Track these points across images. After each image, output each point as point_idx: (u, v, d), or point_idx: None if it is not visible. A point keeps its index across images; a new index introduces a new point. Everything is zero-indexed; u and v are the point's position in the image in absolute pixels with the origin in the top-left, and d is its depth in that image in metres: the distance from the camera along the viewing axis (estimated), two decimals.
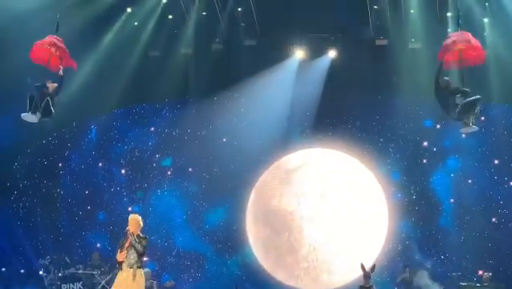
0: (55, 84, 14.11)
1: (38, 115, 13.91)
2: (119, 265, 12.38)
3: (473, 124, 13.72)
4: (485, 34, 18.21)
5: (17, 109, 14.31)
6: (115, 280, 12.51)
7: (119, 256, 12.29)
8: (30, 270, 20.16)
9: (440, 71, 13.91)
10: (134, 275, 12.14)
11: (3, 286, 18.11)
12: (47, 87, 13.99)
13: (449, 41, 13.77)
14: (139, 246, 12.24)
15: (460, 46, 13.70)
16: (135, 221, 12.50)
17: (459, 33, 13.91)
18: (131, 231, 12.35)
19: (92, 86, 19.24)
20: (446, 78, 14.03)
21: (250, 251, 20.89)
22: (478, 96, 13.69)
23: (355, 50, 19.84)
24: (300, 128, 20.83)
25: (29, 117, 13.92)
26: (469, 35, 13.83)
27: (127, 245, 12.29)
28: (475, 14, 17.80)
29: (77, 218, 21.37)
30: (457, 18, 14.33)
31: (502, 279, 18.56)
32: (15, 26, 16.57)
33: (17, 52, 14.64)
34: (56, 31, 14.34)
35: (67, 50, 14.36)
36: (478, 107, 13.73)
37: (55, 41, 14.16)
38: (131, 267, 12.20)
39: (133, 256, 12.23)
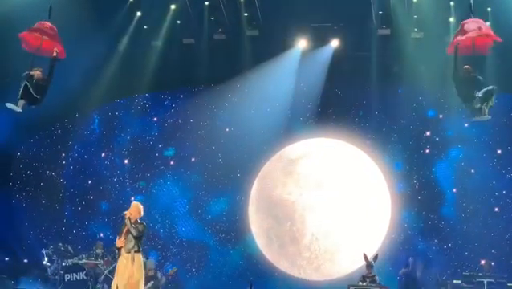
0: (40, 70, 13.94)
1: (21, 102, 13.77)
2: (118, 251, 12.71)
3: (487, 113, 13.73)
4: (488, 23, 18.12)
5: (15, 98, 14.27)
6: (117, 267, 12.81)
7: (118, 242, 12.62)
8: (34, 260, 20.22)
9: (457, 59, 13.89)
10: (133, 259, 12.45)
11: (7, 276, 18.13)
12: (32, 75, 13.81)
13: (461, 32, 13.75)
14: (134, 230, 12.51)
15: (472, 34, 13.67)
16: (136, 208, 12.82)
17: (471, 21, 13.84)
18: (127, 216, 12.66)
19: (95, 76, 19.26)
20: (466, 66, 14.03)
21: (253, 241, 20.92)
22: (495, 86, 13.73)
23: (357, 39, 19.77)
24: (303, 118, 20.80)
25: (11, 106, 13.84)
26: (481, 22, 13.80)
27: (125, 231, 12.59)
28: (478, 3, 17.70)
29: (80, 208, 21.46)
30: (468, 5, 14.19)
31: (504, 269, 18.55)
32: (12, 16, 16.55)
33: (16, 41, 14.58)
34: (49, 18, 14.27)
35: (59, 38, 14.26)
36: (494, 97, 13.76)
37: (43, 27, 14.06)
38: (129, 252, 12.52)
39: (130, 241, 12.55)
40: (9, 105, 13.80)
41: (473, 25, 13.73)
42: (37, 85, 13.74)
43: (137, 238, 12.59)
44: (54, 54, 13.95)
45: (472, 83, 13.85)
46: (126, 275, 12.48)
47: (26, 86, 13.59)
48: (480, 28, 13.66)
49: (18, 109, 13.77)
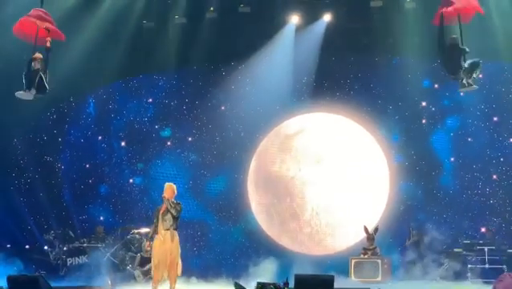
0: (41, 56, 13.95)
1: (33, 91, 13.82)
2: (155, 228, 13.78)
3: (472, 84, 13.79)
4: None
5: (14, 86, 14.24)
6: (154, 242, 13.79)
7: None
8: (35, 246, 20.26)
9: (442, 31, 13.90)
10: (172, 236, 13.60)
11: (9, 263, 18.15)
12: (36, 62, 13.83)
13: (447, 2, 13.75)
14: (173, 211, 13.63)
15: (458, 5, 13.68)
16: (170, 189, 13.89)
17: None
18: (166, 198, 13.68)
19: (88, 59, 19.17)
20: (454, 36, 14.03)
21: (253, 218, 20.99)
22: (480, 60, 13.78)
23: (350, 12, 19.72)
24: (298, 94, 20.79)
25: (23, 95, 13.88)
26: None
27: (162, 211, 13.67)
28: None
29: (79, 192, 21.47)
30: None
31: (505, 236, 18.62)
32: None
33: (9, 30, 14.54)
34: (41, 4, 14.22)
35: (54, 22, 14.24)
36: (479, 69, 13.81)
37: (41, 14, 14.04)
38: (167, 229, 13.61)
39: (169, 220, 13.64)
40: (20, 94, 13.85)
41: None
42: (44, 72, 13.85)
43: (176, 218, 13.65)
44: (48, 44, 13.97)
45: (458, 53, 13.86)
46: (166, 251, 13.58)
47: (40, 76, 13.71)
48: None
49: (30, 97, 13.90)
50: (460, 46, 13.88)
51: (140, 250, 18.13)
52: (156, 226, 13.75)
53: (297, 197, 20.72)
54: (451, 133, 20.12)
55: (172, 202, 13.71)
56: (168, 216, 13.62)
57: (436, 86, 20.11)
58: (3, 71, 17.05)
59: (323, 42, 20.12)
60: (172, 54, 20.47)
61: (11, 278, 12.30)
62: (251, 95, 20.74)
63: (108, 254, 18.55)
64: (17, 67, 14.54)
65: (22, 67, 14.07)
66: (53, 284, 12.91)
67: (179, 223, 13.94)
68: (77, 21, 18.19)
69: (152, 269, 13.84)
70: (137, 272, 17.72)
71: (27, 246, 20.33)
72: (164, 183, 14.14)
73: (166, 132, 21.71)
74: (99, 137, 21.85)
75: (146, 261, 17.26)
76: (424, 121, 20.25)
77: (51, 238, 19.61)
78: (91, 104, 22.03)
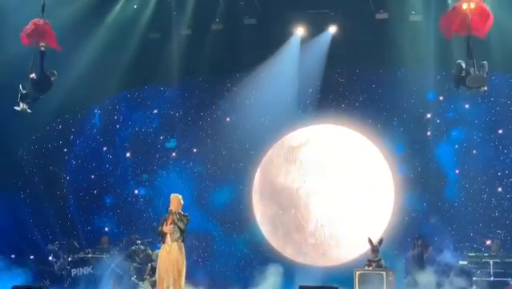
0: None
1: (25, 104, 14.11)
2: (162, 238, 13.76)
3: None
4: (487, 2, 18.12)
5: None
6: (160, 253, 13.89)
7: (167, 228, 13.66)
8: (40, 256, 20.28)
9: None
10: (180, 248, 13.65)
11: (14, 273, 18.19)
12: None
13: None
14: (181, 224, 13.69)
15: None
16: (176, 200, 13.96)
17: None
18: (174, 211, 13.76)
19: (94, 70, 19.27)
20: (459, 61, 14.07)
21: (258, 229, 20.97)
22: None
23: (355, 24, 19.74)
24: (303, 105, 20.78)
25: (21, 108, 14.13)
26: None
27: (170, 221, 13.68)
28: None
29: (84, 203, 21.51)
30: None
31: (510, 248, 18.60)
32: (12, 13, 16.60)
33: (15, 40, 14.62)
34: (42, 12, 14.31)
35: (52, 32, 14.37)
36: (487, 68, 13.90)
37: (37, 24, 14.19)
38: (175, 241, 13.66)
39: (176, 232, 13.68)
40: (20, 107, 14.01)
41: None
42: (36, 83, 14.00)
43: (183, 230, 13.73)
44: (42, 48, 14.11)
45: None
46: (172, 262, 13.59)
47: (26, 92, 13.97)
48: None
49: (29, 110, 14.09)
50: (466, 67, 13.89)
51: (147, 261, 18.11)
52: (161, 231, 13.76)
53: (302, 209, 20.71)
54: (456, 145, 20.11)
55: (180, 215, 13.74)
56: (176, 227, 13.64)
57: (441, 98, 20.11)
58: (7, 83, 17.08)
59: (329, 53, 20.15)
60: (178, 66, 20.53)
61: (16, 288, 12.33)
62: (256, 107, 20.76)
63: (113, 265, 18.56)
64: (21, 79, 14.64)
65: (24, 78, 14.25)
66: None
67: (186, 235, 13.97)
68: (83, 32, 18.32)
69: (157, 280, 13.84)
70: (146, 283, 17.67)
71: (32, 257, 20.35)
72: (170, 194, 14.16)
73: (171, 143, 21.74)
74: (105, 148, 21.90)
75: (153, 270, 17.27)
76: (428, 133, 20.24)
77: (56, 248, 19.66)
78: (97, 115, 22.08)
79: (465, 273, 17.64)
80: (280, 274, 18.36)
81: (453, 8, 14.06)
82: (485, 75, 13.88)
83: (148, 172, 21.65)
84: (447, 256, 18.25)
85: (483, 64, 13.89)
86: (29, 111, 14.37)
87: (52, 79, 14.43)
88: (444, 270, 17.72)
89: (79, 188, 21.62)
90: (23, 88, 14.34)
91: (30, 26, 14.17)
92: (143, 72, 20.83)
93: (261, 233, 20.92)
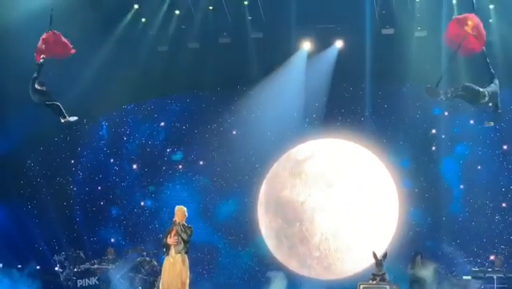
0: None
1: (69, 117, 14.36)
2: (166, 250, 13.62)
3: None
4: (491, 20, 18.22)
5: (29, 108, 14.44)
6: (164, 265, 13.75)
7: (171, 240, 13.54)
8: (46, 267, 20.34)
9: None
10: (183, 260, 13.52)
11: (19, 283, 18.27)
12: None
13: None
14: (184, 235, 13.55)
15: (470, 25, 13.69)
16: (181, 212, 13.78)
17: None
18: (177, 222, 13.60)
19: (102, 83, 19.41)
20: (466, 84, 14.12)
21: (263, 242, 21.03)
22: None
23: (361, 40, 19.81)
24: (309, 119, 20.90)
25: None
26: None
27: (174, 232, 13.57)
28: (480, 1, 17.77)
29: (90, 214, 21.60)
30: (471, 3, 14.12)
31: None
32: (25, 26, 16.73)
33: (27, 51, 14.75)
34: (50, 24, 14.43)
35: (63, 40, 14.48)
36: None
37: (47, 40, 14.33)
38: (178, 253, 13.56)
39: (180, 243, 13.56)
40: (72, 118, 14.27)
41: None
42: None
43: (186, 241, 13.61)
44: (41, 60, 14.21)
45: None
46: (176, 274, 13.51)
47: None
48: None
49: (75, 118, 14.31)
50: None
51: (152, 273, 18.15)
52: (166, 243, 13.73)
53: (306, 222, 20.77)
54: (461, 161, 20.19)
55: (183, 226, 13.68)
56: (179, 239, 13.58)
57: (446, 113, 20.19)
58: (17, 94, 17.20)
59: (335, 68, 20.27)
60: (185, 79, 20.65)
61: None
62: (263, 120, 20.86)
63: (118, 276, 18.62)
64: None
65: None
66: None
67: (189, 247, 13.94)
68: (92, 44, 18.41)
69: None
70: None
71: (38, 267, 20.41)
72: (175, 206, 14.22)
73: (178, 156, 21.83)
74: (112, 160, 21.99)
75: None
76: (433, 148, 20.33)
77: (62, 258, 19.66)
78: (104, 127, 22.18)
79: (470, 288, 17.67)
80: (284, 287, 18.41)
81: (457, 19, 13.97)
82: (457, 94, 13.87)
83: (155, 184, 21.74)
84: (451, 271, 18.30)
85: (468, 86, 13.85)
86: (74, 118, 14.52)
87: (40, 88, 14.43)
88: (449, 285, 17.75)
89: (85, 199, 21.71)
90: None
91: (40, 44, 14.28)
92: (150, 85, 20.94)
93: (265, 245, 20.98)
